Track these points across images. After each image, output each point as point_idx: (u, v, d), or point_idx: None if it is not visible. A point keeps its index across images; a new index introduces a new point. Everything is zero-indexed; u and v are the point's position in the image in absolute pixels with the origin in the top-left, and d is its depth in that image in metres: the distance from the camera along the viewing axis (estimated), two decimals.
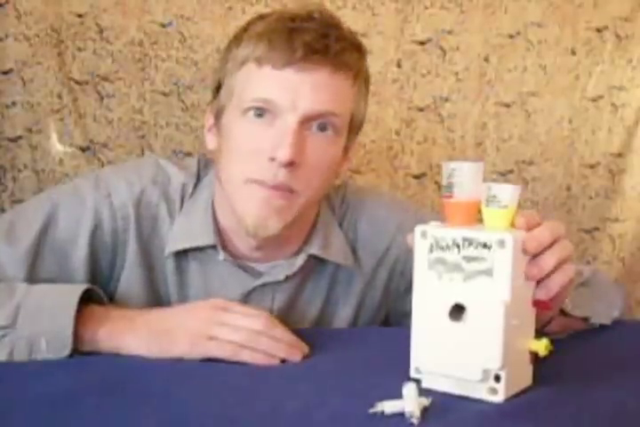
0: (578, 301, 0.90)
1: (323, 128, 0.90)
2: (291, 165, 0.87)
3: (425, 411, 0.66)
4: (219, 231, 0.99)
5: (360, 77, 0.94)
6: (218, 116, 0.96)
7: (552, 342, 0.72)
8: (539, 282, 0.71)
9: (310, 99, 0.88)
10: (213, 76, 0.99)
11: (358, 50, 0.94)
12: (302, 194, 0.91)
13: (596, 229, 1.73)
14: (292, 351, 0.83)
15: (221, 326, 0.82)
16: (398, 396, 0.66)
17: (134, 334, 0.83)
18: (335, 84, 0.90)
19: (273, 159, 0.88)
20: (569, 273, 0.72)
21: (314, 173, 0.91)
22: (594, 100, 1.67)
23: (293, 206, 0.92)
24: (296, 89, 0.88)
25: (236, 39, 0.94)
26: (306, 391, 0.73)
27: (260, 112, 0.89)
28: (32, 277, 0.92)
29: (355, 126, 0.97)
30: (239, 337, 0.81)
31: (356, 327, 1.06)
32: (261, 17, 0.95)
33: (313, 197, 0.94)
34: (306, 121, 0.89)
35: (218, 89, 0.96)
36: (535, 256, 0.70)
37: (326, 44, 0.88)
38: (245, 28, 0.94)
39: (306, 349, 0.84)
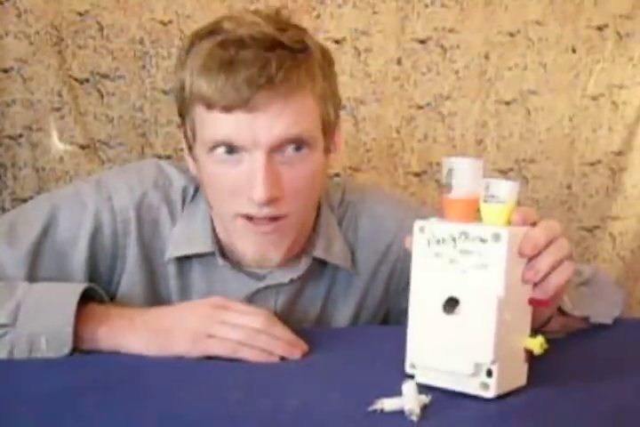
0: (578, 300, 0.89)
1: (297, 148, 0.88)
2: (271, 201, 0.86)
3: (424, 409, 0.66)
4: (218, 238, 0.99)
5: (317, 80, 0.89)
6: (190, 146, 0.94)
7: (550, 340, 0.72)
8: (537, 282, 0.71)
9: (270, 132, 0.85)
10: (174, 96, 0.96)
11: (306, 57, 0.88)
12: (294, 215, 0.91)
13: (597, 227, 1.73)
14: (291, 349, 0.83)
15: (221, 325, 0.82)
16: (398, 393, 0.66)
17: (134, 333, 0.83)
18: (292, 108, 0.86)
19: (250, 199, 0.87)
20: (566, 273, 0.72)
21: (299, 195, 0.90)
22: (594, 98, 1.67)
23: (288, 233, 0.92)
24: (252, 127, 0.85)
25: (181, 63, 0.91)
26: (305, 389, 0.73)
27: (229, 149, 0.87)
28: (32, 279, 0.91)
29: (329, 125, 0.93)
30: (238, 335, 0.81)
31: (356, 326, 1.06)
32: (198, 37, 0.89)
33: (307, 211, 0.95)
34: (276, 148, 0.86)
35: (181, 114, 0.94)
36: (531, 258, 0.70)
37: (269, 75, 0.83)
38: (187, 50, 0.90)
39: (305, 347, 0.84)
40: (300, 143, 0.88)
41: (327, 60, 0.93)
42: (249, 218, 0.89)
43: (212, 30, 0.89)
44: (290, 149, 0.87)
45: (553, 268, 0.70)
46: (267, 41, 0.85)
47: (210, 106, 0.86)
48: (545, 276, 0.70)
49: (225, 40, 0.86)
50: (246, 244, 0.92)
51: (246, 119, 0.85)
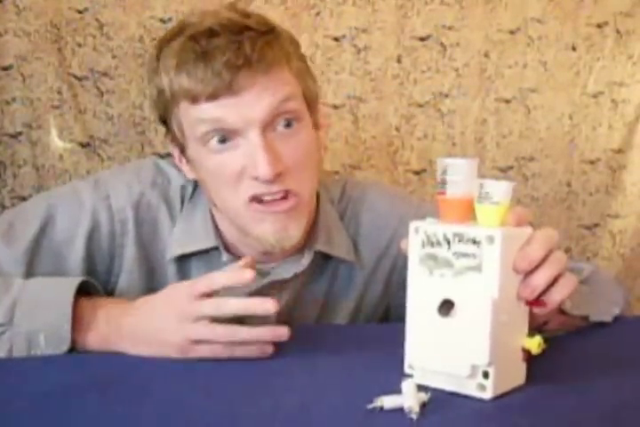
0: (578, 299, 0.89)
1: (287, 124, 0.89)
2: (276, 177, 0.87)
3: (424, 406, 0.66)
4: (220, 234, 0.99)
5: (292, 58, 0.92)
6: (182, 149, 0.95)
7: (549, 339, 0.72)
8: (539, 295, 0.70)
9: (258, 108, 0.86)
10: (152, 105, 0.96)
11: (275, 37, 0.90)
12: (302, 190, 0.91)
13: (597, 225, 1.72)
14: (277, 334, 0.80)
15: (201, 326, 0.79)
16: (397, 391, 0.66)
17: (124, 344, 0.82)
18: (273, 84, 0.88)
19: (256, 178, 0.87)
20: (568, 289, 0.71)
21: (301, 168, 0.90)
22: (594, 96, 1.67)
23: (302, 206, 0.92)
24: (240, 107, 0.86)
25: (154, 70, 0.91)
26: (305, 387, 0.73)
27: (221, 137, 0.88)
28: (30, 278, 0.91)
29: (312, 101, 0.95)
30: (218, 336, 0.79)
31: (356, 323, 1.06)
32: (166, 41, 0.91)
33: (312, 186, 0.95)
34: (267, 126, 0.88)
35: (164, 121, 0.94)
36: (527, 274, 0.69)
37: (245, 55, 0.85)
38: (158, 57, 0.91)
39: (285, 330, 0.81)
40: (289, 117, 0.89)
41: (295, 43, 0.95)
42: (261, 200, 0.89)
43: (178, 30, 0.90)
44: (280, 126, 0.89)
45: (549, 284, 0.70)
46: (235, 26, 0.88)
47: (194, 99, 0.87)
48: (546, 289, 0.70)
49: (194, 33, 0.88)
50: (265, 226, 0.90)
51: (233, 102, 0.86)
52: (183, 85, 0.87)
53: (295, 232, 0.92)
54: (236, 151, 0.88)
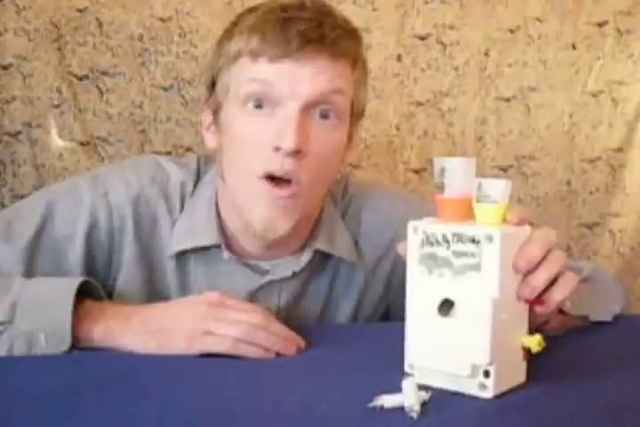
0: (578, 299, 0.88)
1: (325, 115, 0.89)
2: (296, 153, 0.86)
3: (424, 405, 0.66)
4: (222, 230, 0.98)
5: (359, 64, 0.93)
6: (215, 113, 0.94)
7: (549, 338, 0.72)
8: (539, 295, 0.70)
9: (310, 85, 0.87)
10: (206, 72, 0.98)
11: (354, 37, 0.93)
12: (308, 185, 0.90)
13: (597, 224, 1.73)
14: (287, 345, 0.83)
15: (218, 321, 0.81)
16: (398, 390, 0.66)
17: (130, 333, 0.82)
18: (334, 71, 0.88)
19: (278, 149, 0.87)
20: (568, 288, 0.71)
21: (320, 162, 0.90)
22: (594, 94, 1.67)
23: (300, 203, 0.91)
24: (295, 77, 0.87)
25: (228, 33, 0.93)
26: (305, 386, 0.73)
27: (259, 102, 0.88)
28: (29, 275, 0.91)
29: (356, 113, 0.95)
30: (237, 331, 0.81)
31: (356, 323, 1.06)
32: (251, 10, 0.93)
33: (319, 187, 0.94)
34: (308, 108, 0.87)
35: (212, 86, 0.95)
36: (526, 273, 0.69)
37: (321, 33, 0.87)
38: (236, 22, 0.93)
39: (302, 343, 0.84)
40: (330, 108, 0.89)
41: (364, 57, 0.96)
42: (270, 179, 0.88)
43: (269, 2, 0.92)
44: (317, 115, 0.89)
45: (549, 283, 0.70)
46: (324, 9, 0.91)
47: (256, 56, 0.88)
48: (546, 288, 0.70)
49: (286, 4, 0.90)
50: (258, 209, 0.90)
51: (290, 69, 0.87)
52: (251, 43, 0.88)
53: (283, 224, 0.91)
54: (269, 119, 0.88)
